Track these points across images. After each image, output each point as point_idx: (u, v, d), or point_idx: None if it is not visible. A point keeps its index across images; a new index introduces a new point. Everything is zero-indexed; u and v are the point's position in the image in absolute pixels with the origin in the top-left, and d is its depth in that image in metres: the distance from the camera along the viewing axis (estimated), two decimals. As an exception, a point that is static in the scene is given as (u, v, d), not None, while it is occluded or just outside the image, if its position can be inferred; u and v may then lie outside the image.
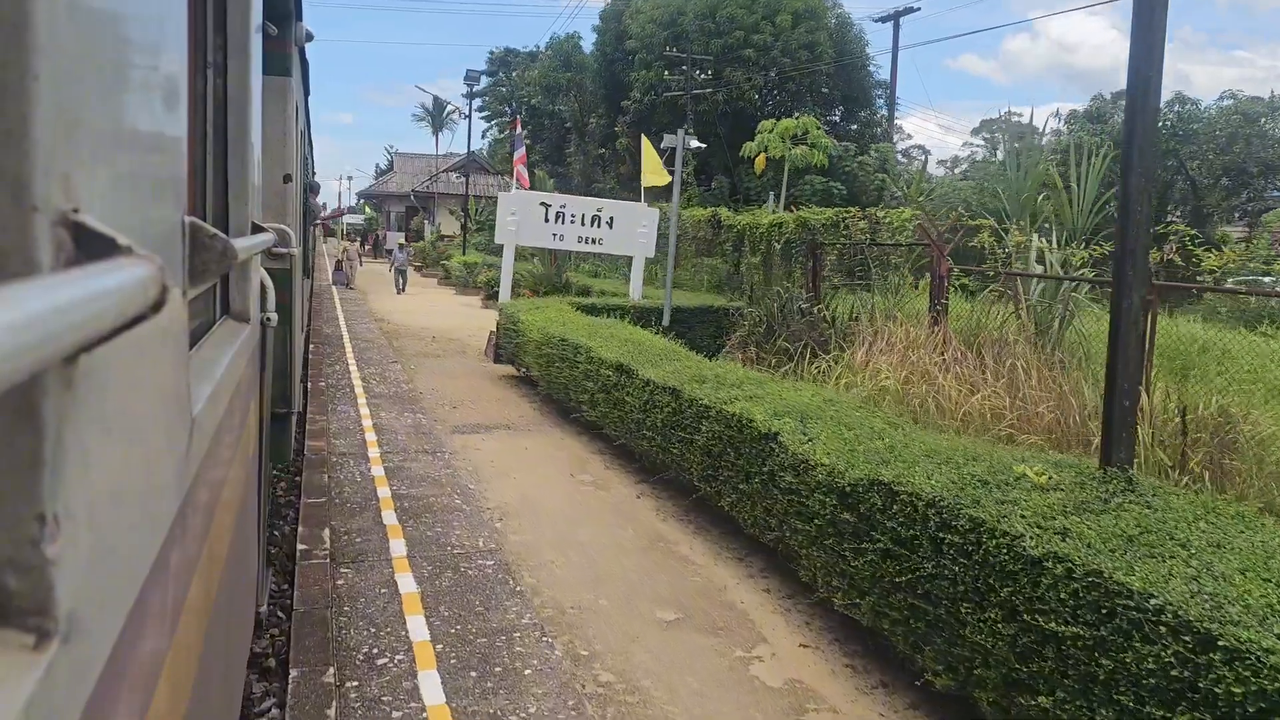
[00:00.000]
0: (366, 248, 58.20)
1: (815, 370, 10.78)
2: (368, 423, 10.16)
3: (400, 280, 29.70)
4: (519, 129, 16.24)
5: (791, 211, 20.12)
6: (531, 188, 17.56)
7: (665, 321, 13.51)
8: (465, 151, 52.33)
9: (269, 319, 3.23)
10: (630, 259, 15.81)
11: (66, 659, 0.74)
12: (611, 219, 15.32)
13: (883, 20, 37.55)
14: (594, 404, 9.35)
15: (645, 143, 16.80)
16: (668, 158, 13.90)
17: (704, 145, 22.06)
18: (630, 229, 15.32)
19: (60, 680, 0.72)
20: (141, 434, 1.07)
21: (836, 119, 40.53)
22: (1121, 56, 4.57)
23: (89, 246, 0.77)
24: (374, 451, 8.93)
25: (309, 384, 11.45)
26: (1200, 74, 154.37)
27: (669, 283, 13.60)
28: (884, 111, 39.86)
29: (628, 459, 9.00)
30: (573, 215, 15.26)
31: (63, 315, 0.60)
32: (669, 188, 13.93)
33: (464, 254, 35.53)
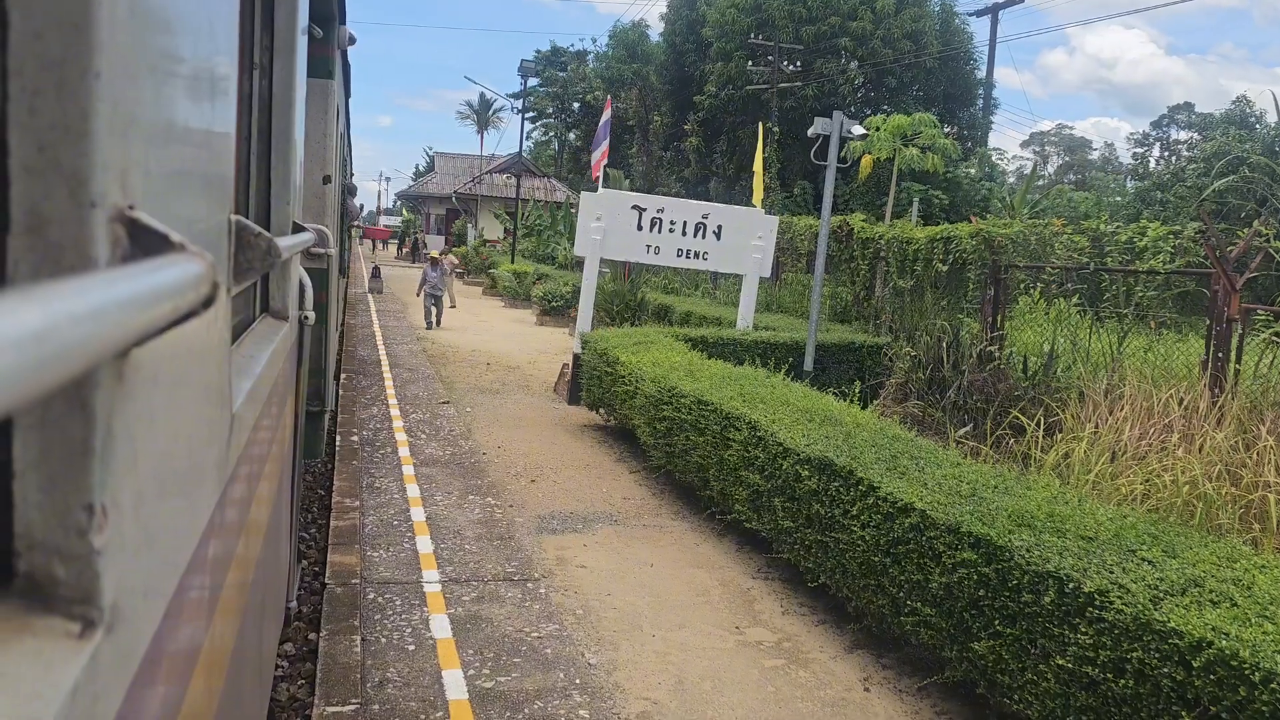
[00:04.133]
0: (404, 251, 55.28)
1: (1020, 443, 7.77)
2: (418, 513, 7.11)
3: (435, 311, 19.89)
4: (609, 112, 13.01)
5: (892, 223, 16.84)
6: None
7: (808, 365, 10.22)
8: (513, 151, 49.34)
9: (306, 317, 3.12)
10: (738, 277, 12.60)
11: (109, 647, 0.72)
12: (720, 228, 12.08)
13: (977, 15, 34.10)
14: (761, 508, 6.16)
15: (761, 133, 13.66)
16: (817, 149, 10.65)
17: (867, 133, 18.53)
18: (742, 241, 12.08)
19: (103, 668, 0.71)
20: (186, 427, 1.05)
21: (936, 119, 36.62)
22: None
23: (143, 242, 0.77)
24: (431, 578, 5.86)
25: (337, 437, 8.49)
26: (1240, 91, 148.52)
27: (815, 311, 10.30)
28: (982, 114, 35.97)
29: (814, 595, 5.84)
30: (672, 223, 12.09)
31: (120, 310, 0.59)
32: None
33: (512, 262, 32.43)
